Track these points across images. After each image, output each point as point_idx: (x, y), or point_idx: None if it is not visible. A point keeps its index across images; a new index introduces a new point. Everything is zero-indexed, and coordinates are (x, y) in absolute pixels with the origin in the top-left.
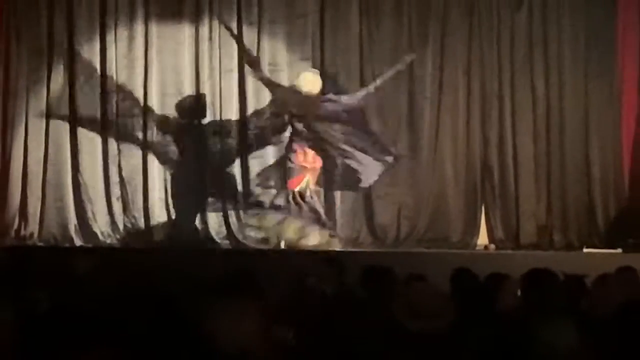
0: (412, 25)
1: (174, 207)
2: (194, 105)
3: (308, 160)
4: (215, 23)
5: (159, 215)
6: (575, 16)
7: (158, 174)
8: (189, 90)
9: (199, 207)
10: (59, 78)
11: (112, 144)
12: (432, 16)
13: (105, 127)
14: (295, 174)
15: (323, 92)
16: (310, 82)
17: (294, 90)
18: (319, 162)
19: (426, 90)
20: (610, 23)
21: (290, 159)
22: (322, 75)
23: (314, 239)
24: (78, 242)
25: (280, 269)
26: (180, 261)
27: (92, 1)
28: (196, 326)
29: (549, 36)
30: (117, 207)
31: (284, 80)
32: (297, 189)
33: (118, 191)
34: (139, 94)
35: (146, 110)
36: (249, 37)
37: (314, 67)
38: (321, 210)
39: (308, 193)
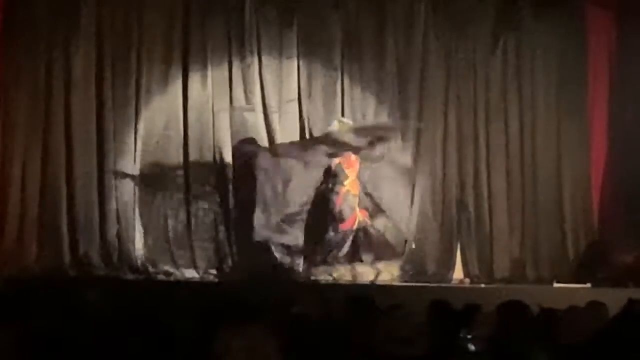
0: (393, 68)
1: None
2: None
3: (350, 163)
4: (208, 65)
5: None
6: (547, 60)
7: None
8: (176, 131)
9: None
10: (58, 113)
11: (110, 179)
12: (412, 60)
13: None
14: (348, 214)
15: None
16: (342, 129)
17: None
18: (356, 164)
19: (407, 131)
20: (581, 67)
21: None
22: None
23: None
24: (72, 273)
25: (270, 298)
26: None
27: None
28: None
29: (522, 79)
30: (111, 240)
31: (275, 120)
32: (355, 227)
33: (112, 225)
34: (130, 136)
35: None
36: (238, 79)
37: (299, 109)
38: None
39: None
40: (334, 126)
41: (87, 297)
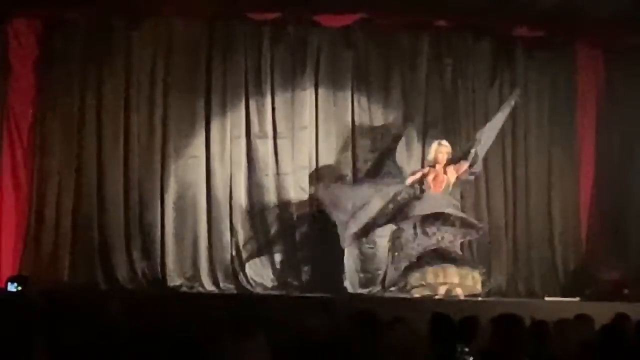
0: (400, 101)
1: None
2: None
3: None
4: (228, 94)
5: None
6: (540, 95)
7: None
8: (200, 155)
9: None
10: (90, 140)
11: (135, 198)
12: (416, 93)
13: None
14: None
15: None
16: (439, 151)
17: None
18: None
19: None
20: (571, 102)
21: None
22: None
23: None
24: (103, 287)
25: (280, 313)
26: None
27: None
28: None
29: (516, 112)
30: (137, 256)
31: (286, 144)
32: None
33: (138, 241)
34: (156, 159)
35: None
36: (254, 111)
37: (309, 140)
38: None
39: None
40: (433, 148)
41: (114, 310)
